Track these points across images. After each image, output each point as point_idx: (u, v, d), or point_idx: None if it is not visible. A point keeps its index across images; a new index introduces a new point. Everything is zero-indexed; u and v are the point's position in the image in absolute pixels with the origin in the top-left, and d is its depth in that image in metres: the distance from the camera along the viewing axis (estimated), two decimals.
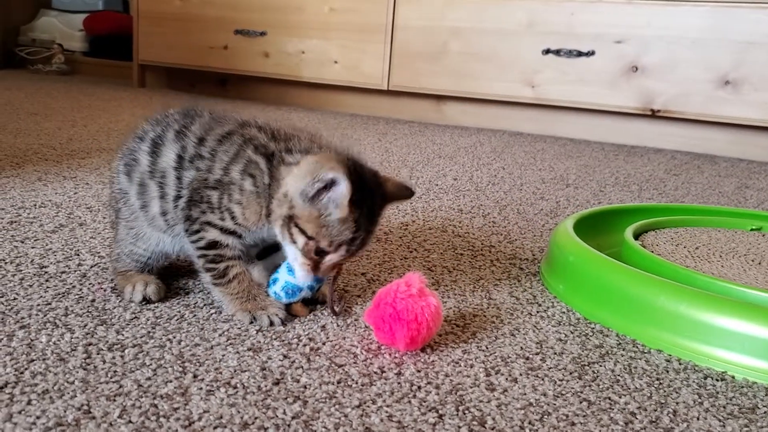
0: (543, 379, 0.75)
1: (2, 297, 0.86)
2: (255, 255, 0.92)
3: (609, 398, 0.72)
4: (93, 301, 0.88)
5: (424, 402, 0.69)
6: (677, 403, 0.72)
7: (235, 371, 0.72)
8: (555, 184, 1.82)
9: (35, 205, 1.29)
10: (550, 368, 0.78)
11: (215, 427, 0.62)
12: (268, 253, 0.92)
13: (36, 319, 0.81)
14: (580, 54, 2.68)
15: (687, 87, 2.52)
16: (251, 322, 0.84)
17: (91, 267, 1.00)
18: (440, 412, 0.67)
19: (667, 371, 0.80)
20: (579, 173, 2.00)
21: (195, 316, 0.86)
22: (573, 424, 0.67)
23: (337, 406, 0.67)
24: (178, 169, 0.86)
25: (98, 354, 0.74)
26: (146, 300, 0.88)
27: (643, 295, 0.89)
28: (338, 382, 0.72)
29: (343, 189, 0.77)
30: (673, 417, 0.69)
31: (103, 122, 2.37)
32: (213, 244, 0.85)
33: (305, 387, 0.70)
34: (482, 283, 1.04)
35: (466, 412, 0.68)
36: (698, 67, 2.49)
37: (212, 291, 0.88)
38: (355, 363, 0.76)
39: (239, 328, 0.83)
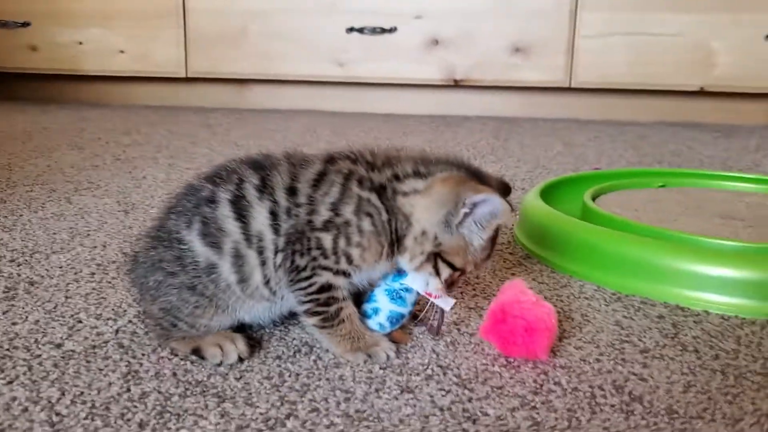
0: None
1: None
2: None
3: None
4: (174, 375, 0.75)
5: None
6: None
7: (419, 419, 0.67)
8: None
9: None
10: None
11: None
12: None
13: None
14: (383, 30, 2.75)
15: (483, 56, 2.72)
16: (365, 361, 0.78)
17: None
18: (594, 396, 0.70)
19: None
20: (433, 149, 2.09)
21: (302, 367, 0.77)
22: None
23: None
24: (274, 225, 0.76)
25: None
26: (240, 359, 0.77)
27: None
28: (532, 409, 0.70)
29: (496, 206, 0.75)
30: None
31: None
32: (325, 287, 0.77)
33: (499, 418, 0.68)
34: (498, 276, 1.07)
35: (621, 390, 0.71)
36: (492, 37, 2.70)
37: (315, 334, 0.80)
38: (523, 385, 0.74)
39: (362, 370, 0.77)
